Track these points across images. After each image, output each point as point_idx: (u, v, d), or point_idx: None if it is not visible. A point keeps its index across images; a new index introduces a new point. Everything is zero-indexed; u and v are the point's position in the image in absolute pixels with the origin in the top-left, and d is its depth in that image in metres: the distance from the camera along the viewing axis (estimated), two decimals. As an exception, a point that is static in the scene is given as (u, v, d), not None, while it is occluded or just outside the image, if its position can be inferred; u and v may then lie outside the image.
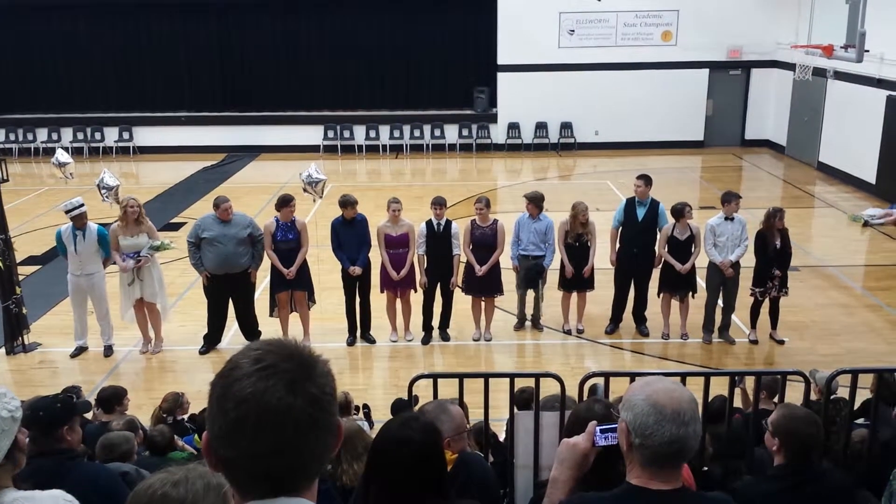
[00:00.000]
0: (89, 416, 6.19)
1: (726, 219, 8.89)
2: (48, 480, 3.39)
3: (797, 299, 9.94)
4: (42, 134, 20.87)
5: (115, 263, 8.90)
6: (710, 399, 4.90)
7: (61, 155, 12.17)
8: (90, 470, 3.77)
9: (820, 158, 18.07)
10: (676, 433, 2.00)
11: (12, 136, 20.85)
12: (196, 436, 5.83)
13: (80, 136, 20.90)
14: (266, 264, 9.07)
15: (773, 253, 8.76)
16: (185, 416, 6.30)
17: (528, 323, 9.61)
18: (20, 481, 2.70)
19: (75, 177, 12.85)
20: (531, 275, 9.14)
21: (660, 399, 2.03)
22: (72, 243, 8.68)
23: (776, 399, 5.47)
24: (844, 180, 16.82)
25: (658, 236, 9.19)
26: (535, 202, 9.09)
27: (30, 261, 11.83)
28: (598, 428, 2.30)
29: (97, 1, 20.11)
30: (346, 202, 8.94)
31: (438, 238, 8.93)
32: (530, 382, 5.23)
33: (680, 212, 8.91)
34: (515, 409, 4.80)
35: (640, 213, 9.19)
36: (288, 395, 1.33)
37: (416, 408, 4.47)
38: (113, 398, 6.09)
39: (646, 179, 9.27)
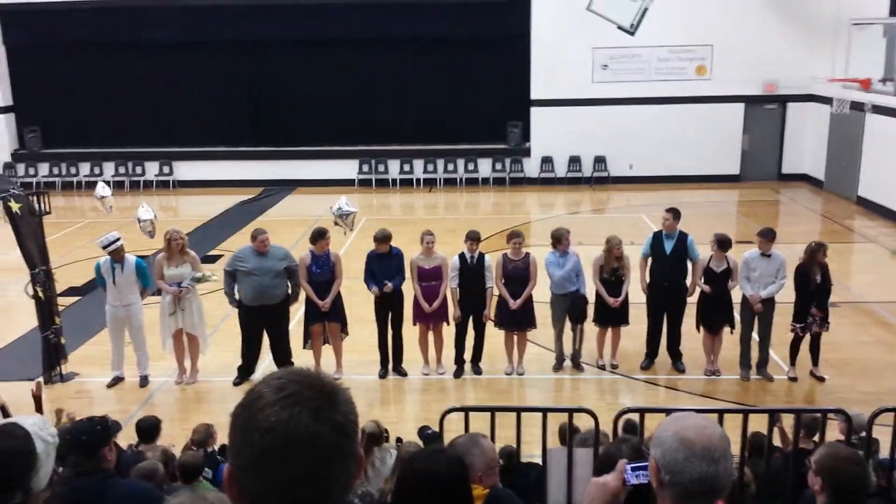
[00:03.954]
0: (123, 444, 6.26)
1: (762, 255, 8.77)
2: (87, 499, 3.45)
3: (837, 336, 9.72)
4: (85, 168, 21.38)
5: (153, 294, 9.05)
6: (748, 436, 4.80)
7: (102, 189, 12.44)
8: (129, 487, 3.85)
9: (859, 193, 17.79)
10: (706, 470, 1.94)
11: (56, 171, 21.37)
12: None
13: (122, 170, 21.36)
14: (300, 296, 9.13)
15: (815, 288, 8.61)
16: (216, 447, 6.32)
17: (566, 363, 9.45)
18: (59, 502, 2.75)
19: (115, 209, 13.09)
20: (578, 310, 9.08)
21: (689, 435, 1.98)
22: (110, 275, 8.83)
23: (816, 437, 5.34)
24: (885, 215, 16.53)
25: (690, 268, 9.11)
26: (559, 238, 9.04)
27: (70, 292, 12.04)
28: (629, 466, 2.24)
29: (138, 40, 20.64)
30: (383, 237, 8.98)
31: (471, 271, 8.93)
32: (564, 417, 5.18)
33: (727, 243, 8.82)
34: (549, 445, 4.74)
35: (668, 246, 9.12)
36: (313, 422, 1.33)
37: (448, 442, 4.43)
38: (154, 428, 6.19)
39: (674, 213, 9.20)
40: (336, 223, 10.11)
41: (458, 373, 9.26)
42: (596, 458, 4.12)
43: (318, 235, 8.91)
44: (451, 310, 9.09)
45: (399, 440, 6.76)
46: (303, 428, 1.32)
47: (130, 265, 8.90)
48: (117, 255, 8.83)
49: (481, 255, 9.01)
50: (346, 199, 10.15)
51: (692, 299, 9.17)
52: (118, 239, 8.86)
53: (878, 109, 16.25)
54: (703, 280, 8.93)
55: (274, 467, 1.32)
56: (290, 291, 9.00)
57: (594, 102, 20.16)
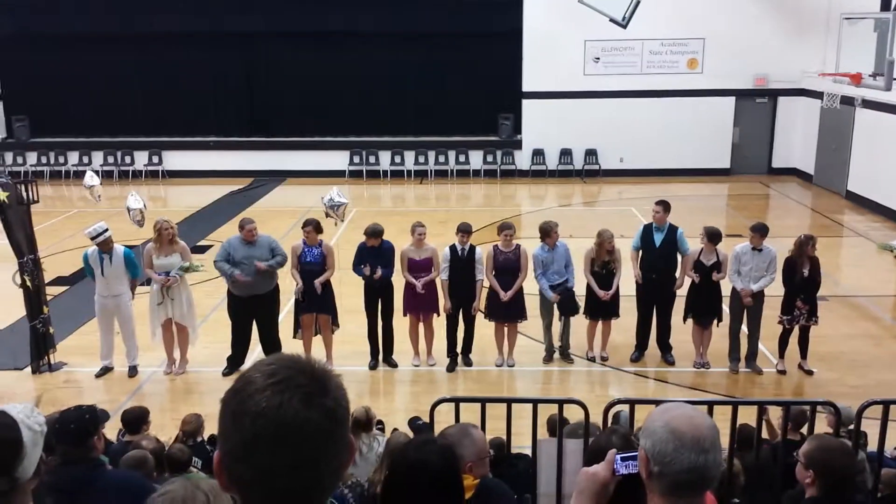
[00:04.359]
0: (112, 437, 6.23)
1: (754, 249, 8.80)
2: (77, 488, 3.43)
3: (825, 329, 9.77)
4: (73, 157, 21.23)
5: (142, 284, 9.02)
6: (737, 428, 4.82)
7: (90, 178, 12.38)
8: (119, 476, 3.83)
9: (848, 187, 17.87)
10: (696, 461, 1.94)
11: (44, 160, 21.23)
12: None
13: (111, 159, 21.23)
14: (290, 286, 9.12)
15: (801, 280, 8.65)
16: (205, 437, 6.30)
17: (555, 354, 9.46)
18: (48, 490, 2.73)
19: (103, 199, 13.01)
20: (567, 303, 9.08)
21: (679, 425, 1.97)
22: (98, 266, 8.79)
23: (804, 430, 5.37)
24: (874, 209, 16.61)
25: (679, 261, 9.13)
26: (548, 232, 9.04)
27: (58, 281, 11.97)
28: (618, 456, 2.24)
29: (128, 29, 20.50)
30: (374, 233, 8.95)
31: (462, 263, 8.92)
32: (554, 408, 5.19)
33: (718, 236, 8.83)
34: (539, 436, 4.75)
35: (658, 238, 9.14)
36: (304, 408, 1.32)
37: (438, 432, 4.43)
38: (140, 419, 6.14)
39: (664, 205, 9.21)
40: (327, 214, 10.09)
41: (451, 366, 9.24)
42: (586, 449, 4.13)
43: (306, 223, 8.91)
44: (443, 301, 9.08)
45: (395, 431, 6.77)
46: (293, 413, 1.31)
47: (119, 256, 8.85)
48: (105, 246, 8.78)
49: (472, 248, 9.00)
50: (337, 190, 10.12)
51: (681, 291, 9.19)
52: (106, 230, 8.80)
53: (868, 104, 16.31)
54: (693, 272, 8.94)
55: (264, 453, 1.31)
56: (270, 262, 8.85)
57: (586, 95, 20.15)
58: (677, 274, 9.18)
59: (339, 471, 1.40)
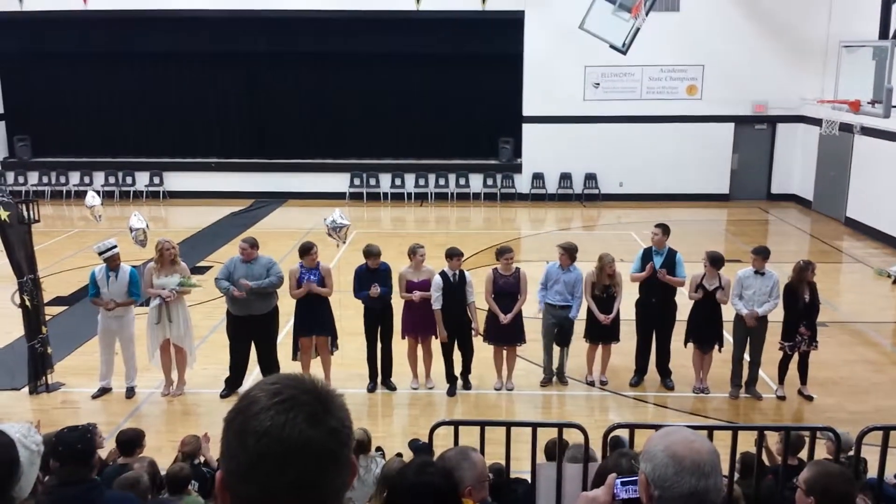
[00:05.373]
0: (104, 455, 6.20)
1: (756, 272, 8.79)
2: None
3: (825, 355, 9.76)
4: (74, 177, 21.29)
5: (141, 305, 9.03)
6: (738, 455, 4.79)
7: (91, 198, 12.44)
8: (115, 497, 3.80)
9: (847, 213, 17.92)
10: (696, 485, 1.93)
11: (45, 179, 21.29)
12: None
13: (112, 179, 21.29)
14: (289, 308, 9.10)
15: (803, 306, 8.64)
16: (203, 459, 6.26)
17: (555, 378, 9.43)
18: None
19: (104, 219, 13.06)
20: (563, 333, 9.07)
21: (679, 450, 1.97)
22: (105, 284, 8.81)
23: (803, 456, 5.35)
24: (873, 236, 16.64)
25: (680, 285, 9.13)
26: (570, 253, 9.05)
27: (57, 301, 11.95)
28: (618, 480, 2.23)
29: (129, 49, 20.64)
30: (370, 252, 8.97)
31: (454, 288, 8.89)
32: (553, 432, 5.16)
33: (720, 261, 8.83)
34: (538, 461, 4.72)
35: (658, 262, 9.13)
36: (308, 427, 1.31)
37: (437, 455, 4.40)
38: (134, 441, 6.09)
39: (663, 228, 9.22)
40: (329, 235, 10.12)
41: (452, 391, 9.19)
42: (585, 474, 4.12)
43: (304, 251, 8.90)
44: (439, 330, 9.00)
45: (379, 449, 6.73)
46: (298, 433, 1.30)
47: (124, 274, 8.88)
48: (113, 263, 8.82)
49: (461, 272, 8.97)
50: (339, 212, 10.16)
51: (682, 316, 9.17)
52: (115, 246, 8.85)
53: (867, 131, 16.39)
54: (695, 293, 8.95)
55: (268, 472, 1.30)
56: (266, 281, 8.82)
57: (585, 120, 20.27)
58: (680, 294, 9.12)
59: (341, 491, 1.39)
